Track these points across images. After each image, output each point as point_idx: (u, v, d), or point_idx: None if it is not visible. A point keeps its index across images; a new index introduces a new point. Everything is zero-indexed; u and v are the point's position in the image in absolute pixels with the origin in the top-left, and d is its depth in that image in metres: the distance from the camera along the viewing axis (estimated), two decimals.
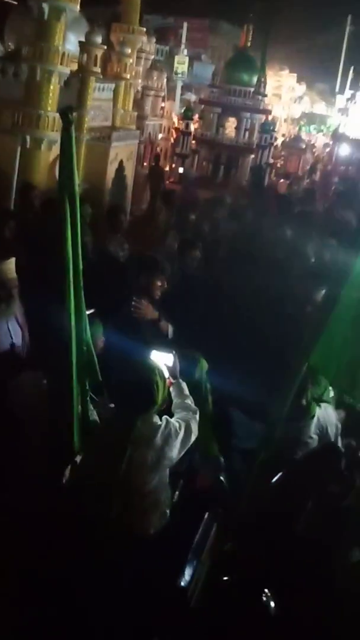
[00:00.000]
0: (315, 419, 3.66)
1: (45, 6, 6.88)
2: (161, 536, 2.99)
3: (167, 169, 12.90)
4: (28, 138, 7.34)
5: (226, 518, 3.32)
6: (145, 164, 12.32)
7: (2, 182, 7.28)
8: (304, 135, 18.47)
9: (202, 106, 14.15)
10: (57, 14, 6.99)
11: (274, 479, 3.09)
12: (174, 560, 2.99)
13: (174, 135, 13.76)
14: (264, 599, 2.39)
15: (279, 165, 15.14)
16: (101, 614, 2.79)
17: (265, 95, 13.72)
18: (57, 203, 3.05)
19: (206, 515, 3.23)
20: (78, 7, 7.22)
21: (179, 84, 18.56)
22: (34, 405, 3.56)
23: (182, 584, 2.85)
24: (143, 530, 2.94)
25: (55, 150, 7.66)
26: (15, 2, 9.78)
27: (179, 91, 18.42)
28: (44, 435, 3.38)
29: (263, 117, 13.31)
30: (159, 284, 4.34)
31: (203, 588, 2.94)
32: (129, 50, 9.38)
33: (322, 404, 3.72)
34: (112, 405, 3.08)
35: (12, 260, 4.49)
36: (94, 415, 3.26)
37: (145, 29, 10.63)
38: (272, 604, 2.39)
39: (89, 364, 3.32)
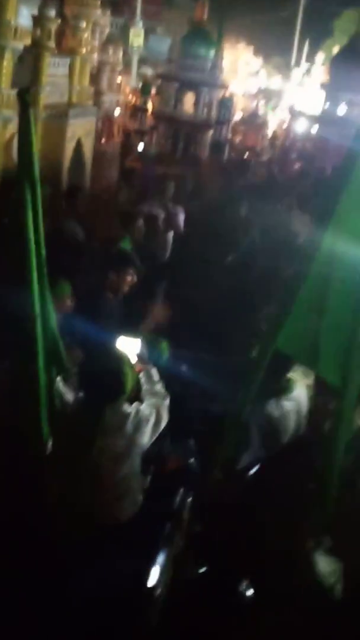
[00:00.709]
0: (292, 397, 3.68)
1: None
2: (133, 523, 2.98)
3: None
4: None
5: (197, 501, 3.34)
6: (103, 140, 12.09)
7: None
8: (260, 112, 18.43)
9: (159, 81, 13.91)
10: None
11: (249, 472, 3.11)
12: (144, 547, 2.99)
13: (132, 111, 13.53)
14: (241, 588, 2.41)
15: (237, 141, 15.07)
16: (69, 608, 2.77)
17: (222, 69, 13.56)
18: (15, 186, 2.96)
19: (177, 498, 3.24)
20: None
21: (135, 58, 18.23)
22: None
23: (151, 580, 2.84)
24: (115, 518, 2.93)
25: (11, 128, 7.43)
26: None
27: (135, 65, 18.11)
28: (10, 427, 3.32)
29: (221, 92, 13.17)
30: (129, 278, 4.32)
31: (174, 577, 2.96)
32: (84, 24, 9.13)
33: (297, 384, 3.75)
34: (81, 394, 3.03)
35: None
36: (61, 404, 3.22)
37: (99, 1, 10.36)
38: (249, 592, 2.41)
39: (55, 351, 3.28)
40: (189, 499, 3.31)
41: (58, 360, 3.28)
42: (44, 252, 3.07)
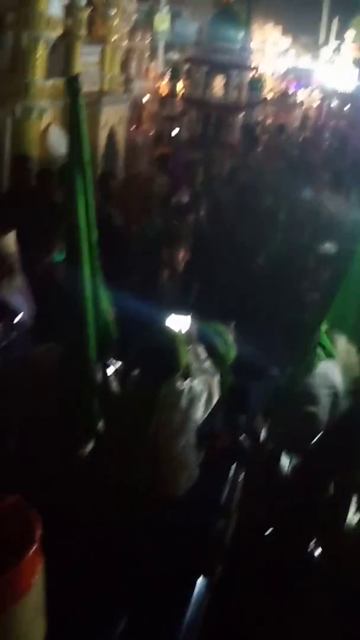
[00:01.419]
0: (323, 373, 3.70)
1: None
2: (189, 496, 3.07)
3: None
4: (17, 108, 7.21)
5: (248, 478, 3.42)
6: (133, 127, 12.14)
7: None
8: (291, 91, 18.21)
9: (188, 65, 13.86)
10: None
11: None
12: (203, 518, 3.09)
13: (162, 97, 13.53)
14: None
15: (268, 122, 14.95)
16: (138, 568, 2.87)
17: (252, 51, 13.45)
18: (67, 172, 3.04)
19: (231, 474, 3.32)
20: None
21: (162, 43, 18.17)
22: (48, 378, 3.60)
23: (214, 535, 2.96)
24: (173, 492, 3.02)
25: (46, 118, 7.55)
26: None
27: (161, 51, 18.05)
28: (60, 409, 3.42)
29: (251, 73, 13.07)
30: (182, 254, 4.36)
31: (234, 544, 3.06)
32: (114, 11, 9.16)
33: (329, 361, 3.77)
34: (136, 372, 3.12)
35: (11, 234, 4.49)
36: (113, 384, 3.31)
37: None
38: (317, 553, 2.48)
39: (106, 333, 3.37)
40: (241, 475, 3.39)
41: (109, 340, 3.38)
42: (95, 235, 3.16)
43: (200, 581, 2.89)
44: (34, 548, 1.79)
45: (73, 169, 2.97)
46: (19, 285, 4.63)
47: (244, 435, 3.59)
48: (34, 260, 4.89)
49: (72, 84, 2.81)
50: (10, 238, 4.50)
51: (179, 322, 3.27)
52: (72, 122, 2.91)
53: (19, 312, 4.48)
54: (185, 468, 3.05)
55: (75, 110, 2.86)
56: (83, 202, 3.01)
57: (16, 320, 4.37)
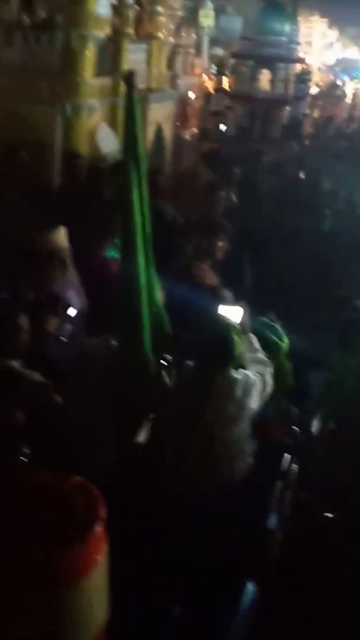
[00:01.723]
0: None
1: None
2: (244, 484, 3.11)
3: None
4: (68, 107, 7.34)
5: (302, 468, 3.43)
6: (178, 123, 12.18)
7: (45, 153, 7.32)
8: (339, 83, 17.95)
9: (233, 60, 13.83)
10: None
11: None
12: (257, 507, 3.12)
13: (207, 92, 13.53)
14: None
15: (316, 115, 14.79)
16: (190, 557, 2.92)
17: (299, 44, 13.33)
18: (122, 165, 3.10)
19: (284, 464, 3.34)
20: None
21: (206, 39, 18.16)
22: (101, 369, 3.67)
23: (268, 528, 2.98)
24: (228, 479, 3.06)
25: (96, 117, 7.66)
26: None
27: (206, 46, 18.04)
28: (115, 399, 3.48)
29: (298, 66, 12.96)
30: (221, 244, 4.38)
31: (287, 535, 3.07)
32: (160, 8, 9.22)
33: None
34: (191, 361, 3.17)
35: (62, 229, 4.59)
36: (167, 374, 3.36)
37: None
38: None
39: (159, 323, 3.42)
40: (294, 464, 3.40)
41: (163, 331, 3.43)
42: (149, 228, 3.21)
43: (249, 586, 2.90)
44: (99, 525, 1.85)
45: (128, 162, 3.03)
46: (71, 279, 4.74)
47: (296, 426, 3.60)
48: (86, 254, 4.99)
49: (129, 80, 2.87)
50: (62, 233, 4.61)
51: (232, 312, 3.30)
52: (127, 117, 2.98)
53: (72, 305, 4.59)
54: (240, 456, 3.09)
55: (131, 105, 2.93)
56: (138, 194, 3.07)
57: (69, 313, 4.48)
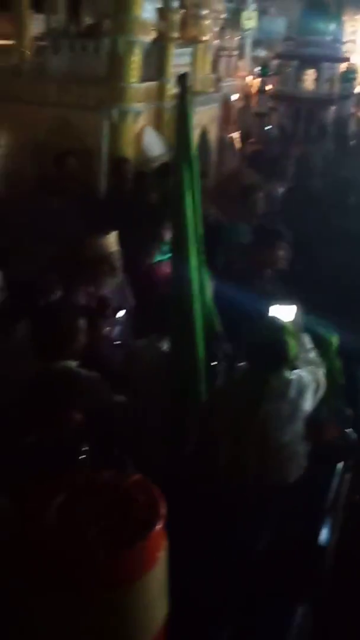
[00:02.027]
0: None
1: None
2: (297, 486, 3.08)
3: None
4: (114, 111, 7.42)
5: (357, 471, 3.38)
6: (225, 125, 12.18)
7: (92, 159, 7.42)
8: None
9: (277, 61, 13.77)
10: None
11: None
12: (310, 511, 3.08)
13: (250, 94, 13.50)
14: None
15: None
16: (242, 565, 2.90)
17: (344, 43, 13.17)
18: (174, 166, 3.12)
19: (339, 467, 3.29)
20: None
21: (249, 41, 18.10)
22: (152, 370, 3.70)
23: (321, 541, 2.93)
24: (282, 480, 3.04)
25: (141, 121, 7.72)
26: None
27: (249, 48, 17.98)
28: (165, 400, 3.50)
29: (343, 66, 12.81)
30: (282, 253, 4.35)
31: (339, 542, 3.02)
32: (205, 11, 9.25)
33: None
34: (244, 363, 3.16)
35: (113, 233, 4.65)
36: (221, 374, 3.37)
37: None
38: None
39: (211, 325, 3.43)
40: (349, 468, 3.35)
41: (214, 334, 3.44)
42: (201, 230, 3.23)
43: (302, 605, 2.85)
44: (159, 523, 1.87)
45: (180, 164, 3.05)
46: (120, 283, 4.80)
47: (350, 428, 3.55)
48: (135, 258, 5.05)
49: (182, 82, 2.90)
50: (112, 238, 4.67)
51: (284, 312, 3.28)
52: (179, 118, 3.00)
53: (121, 309, 4.65)
54: (294, 458, 3.06)
55: (184, 106, 2.95)
56: (190, 195, 3.09)
57: (119, 316, 4.54)
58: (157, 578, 1.95)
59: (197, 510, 2.97)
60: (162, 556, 1.93)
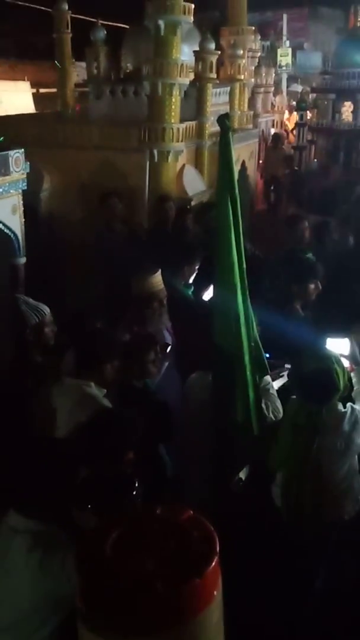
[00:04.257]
0: None
1: (162, 23, 7.11)
2: (353, 522, 3.01)
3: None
4: (155, 152, 7.61)
5: None
6: (260, 161, 12.34)
7: (135, 197, 7.60)
8: None
9: (314, 95, 13.93)
10: (173, 28, 7.20)
11: None
12: None
13: (288, 129, 13.65)
14: None
15: None
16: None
17: None
18: (217, 203, 3.18)
19: None
20: (192, 18, 7.39)
21: (284, 77, 18.39)
22: (200, 404, 3.71)
23: None
24: (337, 517, 2.98)
25: (181, 160, 7.89)
26: (127, 27, 10.18)
27: (284, 83, 18.26)
28: (214, 434, 3.49)
29: None
30: (313, 287, 4.37)
31: None
32: (241, 51, 9.46)
33: None
34: (295, 395, 3.15)
35: (159, 272, 4.72)
36: (269, 410, 3.35)
37: (254, 28, 10.68)
38: None
39: (258, 356, 3.43)
40: None
41: (261, 365, 3.43)
42: (244, 265, 3.25)
43: None
44: (215, 559, 1.85)
45: (224, 200, 3.10)
46: (164, 319, 4.87)
47: None
48: (175, 293, 5.11)
49: (223, 122, 2.97)
50: (159, 275, 4.75)
51: (337, 345, 3.26)
52: (222, 156, 3.07)
53: (169, 345, 4.70)
54: (350, 493, 3.00)
55: (225, 145, 3.02)
56: (234, 231, 3.13)
57: (166, 352, 4.58)
58: (213, 616, 1.92)
59: (250, 547, 2.93)
60: (218, 593, 1.90)
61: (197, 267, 5.37)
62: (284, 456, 3.05)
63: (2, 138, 5.83)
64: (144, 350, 3.94)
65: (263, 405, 3.25)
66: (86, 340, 3.60)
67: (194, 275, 5.37)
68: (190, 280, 5.39)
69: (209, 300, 4.45)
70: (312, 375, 3.00)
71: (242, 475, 3.39)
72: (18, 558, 2.11)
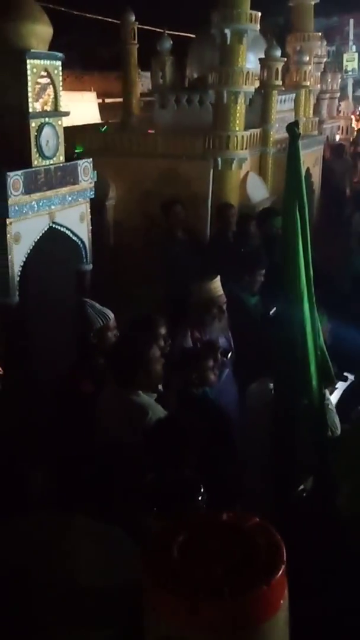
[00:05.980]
0: None
1: (228, 32, 7.15)
2: None
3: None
4: (219, 159, 7.64)
5: None
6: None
7: (198, 204, 7.64)
8: None
9: None
10: (239, 37, 7.22)
11: None
12: None
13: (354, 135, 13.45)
14: None
15: None
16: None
17: None
18: (286, 211, 3.17)
19: None
20: (258, 26, 7.39)
21: (350, 82, 18.14)
22: (262, 412, 3.69)
23: None
24: None
25: (245, 167, 7.88)
26: (193, 36, 10.28)
27: (350, 89, 18.01)
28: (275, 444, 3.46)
29: None
30: None
31: None
32: (307, 58, 9.40)
33: None
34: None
35: (217, 278, 4.74)
36: (336, 418, 3.31)
37: (320, 34, 10.59)
38: None
39: (324, 367, 3.39)
40: None
41: (327, 374, 3.39)
42: (312, 273, 3.23)
43: None
44: (282, 567, 1.84)
45: (292, 208, 3.09)
46: (223, 326, 4.87)
47: None
48: (236, 301, 5.10)
49: (293, 129, 2.97)
50: (218, 282, 4.77)
51: None
52: (290, 164, 3.07)
53: (229, 351, 4.70)
54: None
55: (294, 152, 3.01)
56: (301, 238, 3.11)
57: (226, 359, 4.58)
58: (279, 625, 1.91)
59: (312, 555, 2.89)
60: (284, 603, 1.89)
61: (262, 275, 5.34)
62: (350, 466, 3.00)
63: (81, 148, 6.00)
64: (203, 358, 3.96)
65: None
66: (117, 350, 3.63)
67: (260, 284, 5.35)
68: (255, 289, 5.37)
69: (275, 309, 4.42)
70: None
71: (305, 485, 3.35)
72: (84, 560, 2.16)
